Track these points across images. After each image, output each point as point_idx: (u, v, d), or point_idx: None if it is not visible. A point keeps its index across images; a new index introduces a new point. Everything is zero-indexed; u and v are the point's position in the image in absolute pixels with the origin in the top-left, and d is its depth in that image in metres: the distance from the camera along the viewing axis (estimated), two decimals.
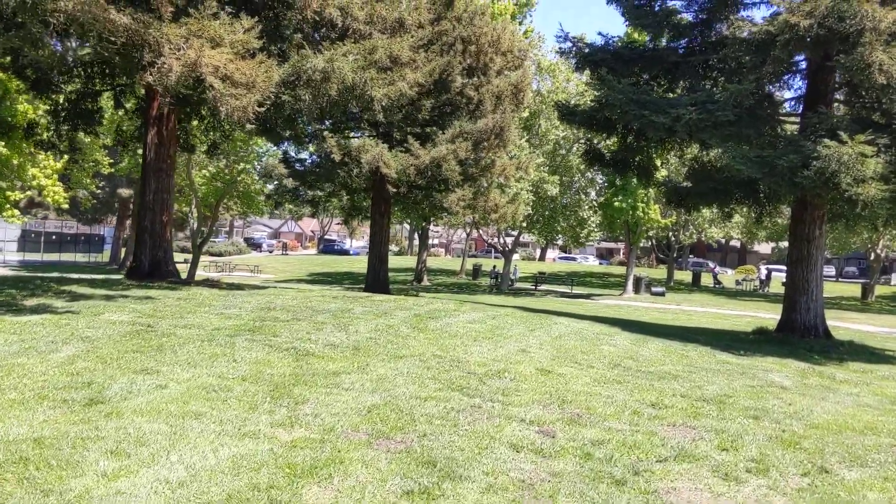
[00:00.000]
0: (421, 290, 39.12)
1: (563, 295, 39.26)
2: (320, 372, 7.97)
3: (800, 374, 10.94)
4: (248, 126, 17.67)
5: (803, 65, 17.12)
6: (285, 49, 15.53)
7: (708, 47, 16.90)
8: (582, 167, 37.48)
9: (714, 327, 21.40)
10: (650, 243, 61.53)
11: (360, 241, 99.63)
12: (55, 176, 36.89)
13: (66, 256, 60.97)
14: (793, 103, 18.05)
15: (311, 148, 28.07)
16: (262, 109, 12.75)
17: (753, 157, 13.50)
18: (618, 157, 17.80)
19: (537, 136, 37.80)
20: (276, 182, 25.70)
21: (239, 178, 35.14)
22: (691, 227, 49.44)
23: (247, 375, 7.61)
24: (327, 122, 28.34)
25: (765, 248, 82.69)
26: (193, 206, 38.21)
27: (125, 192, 49.87)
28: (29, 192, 34.39)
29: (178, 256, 69.31)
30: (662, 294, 40.07)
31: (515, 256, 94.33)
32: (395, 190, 24.72)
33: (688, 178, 18.17)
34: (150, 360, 8.03)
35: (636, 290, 40.47)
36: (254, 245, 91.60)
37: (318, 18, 15.19)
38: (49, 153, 36.33)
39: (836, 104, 16.45)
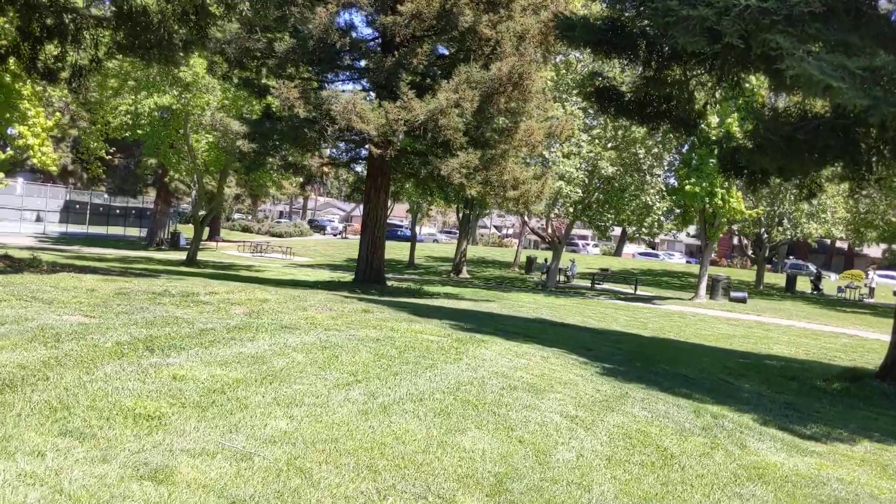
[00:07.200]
0: (453, 283, 33.49)
1: (622, 297, 32.87)
2: None
3: None
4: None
5: None
6: None
7: None
8: (648, 141, 30.78)
9: (788, 355, 15.00)
10: (740, 241, 53.81)
11: (429, 226, 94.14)
12: (44, 135, 33.10)
13: (115, 230, 58.35)
14: None
15: (266, 101, 22.89)
16: None
17: (856, 70, 7.30)
18: (641, 97, 11.59)
19: None
20: (226, 143, 20.39)
21: None
22: (785, 220, 41.55)
23: None
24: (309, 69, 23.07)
25: (875, 250, 72.55)
26: (195, 177, 33.71)
27: (152, 160, 45.94)
28: (11, 152, 30.75)
29: (233, 235, 64.82)
30: (744, 300, 32.95)
31: (595, 250, 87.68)
32: (378, 152, 19.17)
33: (750, 136, 11.79)
34: None
35: (711, 294, 33.52)
36: (317, 228, 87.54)
37: None
38: (38, 109, 32.55)
39: None
